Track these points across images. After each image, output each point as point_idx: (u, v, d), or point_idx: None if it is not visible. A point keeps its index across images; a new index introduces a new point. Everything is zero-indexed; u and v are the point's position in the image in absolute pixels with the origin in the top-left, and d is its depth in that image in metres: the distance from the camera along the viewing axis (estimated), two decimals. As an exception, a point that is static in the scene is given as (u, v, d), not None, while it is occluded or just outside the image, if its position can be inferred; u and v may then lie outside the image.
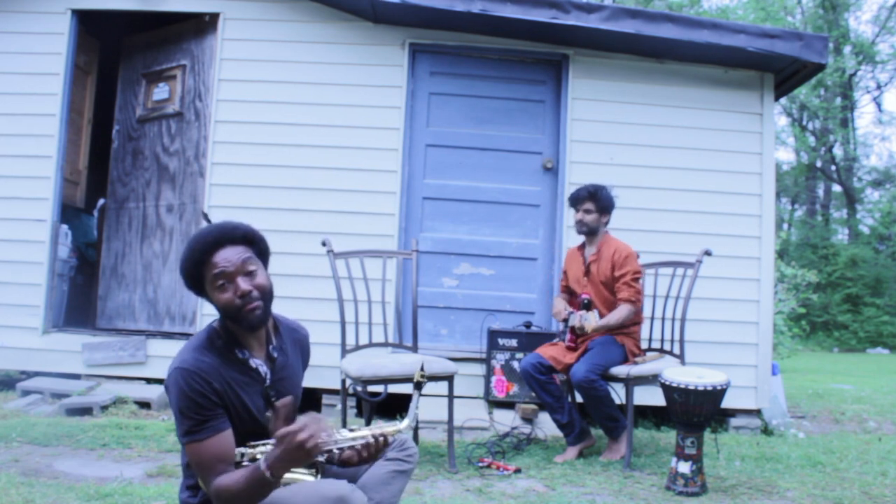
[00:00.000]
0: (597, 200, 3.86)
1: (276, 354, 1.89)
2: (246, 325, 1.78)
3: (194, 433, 1.71)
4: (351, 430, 1.87)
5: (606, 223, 3.93)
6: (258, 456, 1.73)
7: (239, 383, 1.79)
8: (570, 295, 4.05)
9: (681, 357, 3.81)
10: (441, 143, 4.98)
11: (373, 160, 4.84)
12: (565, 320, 3.88)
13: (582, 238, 4.03)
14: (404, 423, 1.92)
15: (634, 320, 3.82)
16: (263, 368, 1.86)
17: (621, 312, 3.71)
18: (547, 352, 3.79)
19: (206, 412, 1.71)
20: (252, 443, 1.78)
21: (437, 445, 3.83)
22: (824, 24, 21.93)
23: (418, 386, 1.99)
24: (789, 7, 22.47)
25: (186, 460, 1.82)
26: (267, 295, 1.80)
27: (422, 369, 2.00)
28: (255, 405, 1.82)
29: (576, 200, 3.91)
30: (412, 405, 1.96)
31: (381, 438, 1.81)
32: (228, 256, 1.76)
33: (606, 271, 3.81)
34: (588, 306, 3.76)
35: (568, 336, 3.84)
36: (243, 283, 1.75)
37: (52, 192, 4.88)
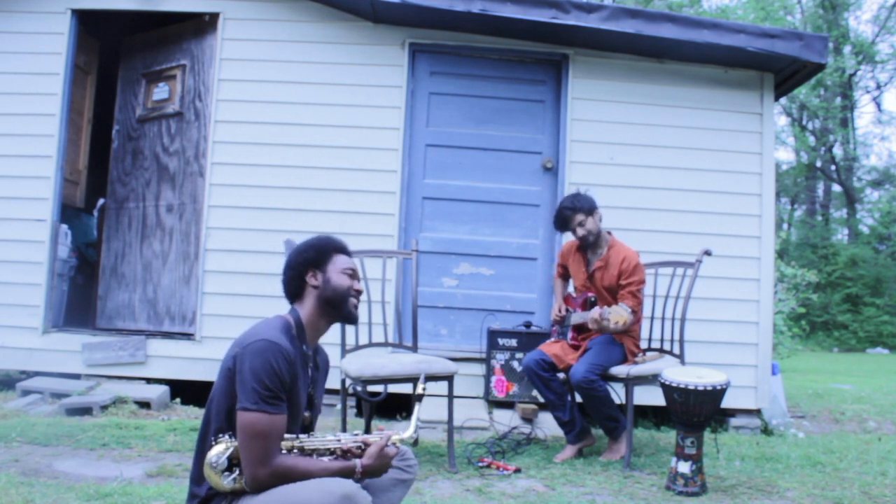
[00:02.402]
0: (580, 209, 3.75)
1: (320, 362, 2.04)
2: (346, 312, 1.98)
3: (269, 404, 1.74)
4: (354, 435, 1.89)
5: (601, 220, 3.84)
6: (283, 449, 1.80)
7: (300, 376, 1.88)
8: (565, 280, 4.10)
9: (681, 357, 3.81)
10: (441, 142, 4.98)
11: (373, 160, 4.84)
12: (562, 319, 3.89)
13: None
14: (406, 434, 1.95)
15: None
16: (310, 371, 1.98)
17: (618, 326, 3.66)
18: (550, 349, 3.79)
19: (282, 389, 1.78)
20: (290, 435, 1.83)
21: (437, 445, 3.83)
22: (824, 23, 21.94)
23: (419, 398, 2.04)
24: (789, 7, 22.48)
25: (206, 443, 1.82)
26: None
27: (423, 382, 2.04)
28: (301, 403, 1.90)
29: (564, 223, 3.80)
30: (414, 417, 1.99)
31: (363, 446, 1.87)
32: (357, 268, 2.06)
33: (612, 279, 3.78)
34: (594, 305, 3.77)
35: (570, 334, 3.85)
36: (360, 286, 2.04)
37: (52, 192, 4.88)
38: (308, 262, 1.98)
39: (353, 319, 1.99)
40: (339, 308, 1.96)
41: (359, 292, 2.01)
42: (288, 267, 2.00)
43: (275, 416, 1.75)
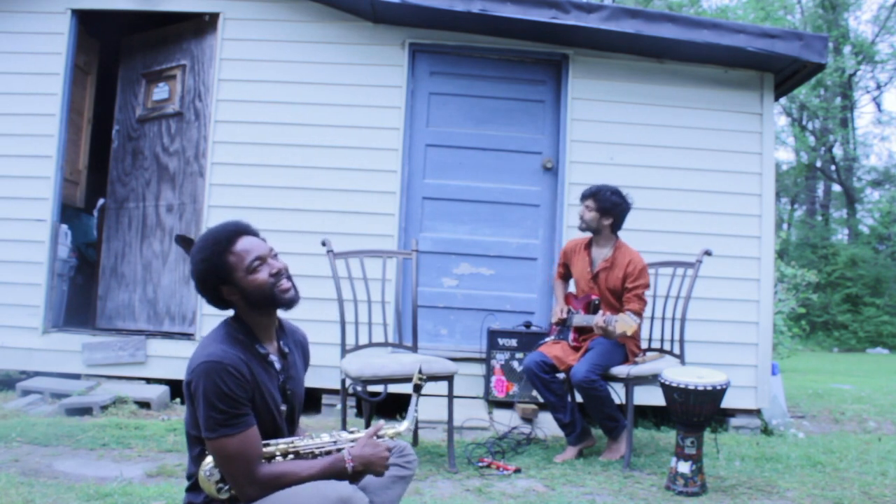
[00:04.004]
0: (597, 199, 3.84)
1: (286, 349, 1.93)
2: (282, 303, 1.81)
3: (227, 426, 1.68)
4: (350, 433, 1.89)
5: (612, 227, 3.87)
6: (277, 454, 1.76)
7: (262, 377, 1.80)
8: (565, 280, 4.12)
9: (681, 357, 3.81)
10: (441, 142, 4.98)
11: (373, 160, 4.84)
12: (563, 321, 3.89)
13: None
14: (403, 426, 1.93)
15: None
16: (277, 363, 1.88)
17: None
18: (551, 351, 3.79)
19: (239, 406, 1.70)
20: (272, 441, 1.79)
21: (436, 445, 3.83)
22: (824, 23, 21.94)
23: (417, 389, 1.99)
24: (789, 7, 22.47)
25: (196, 452, 1.80)
26: (291, 276, 1.85)
27: (420, 372, 2.00)
28: (273, 400, 1.83)
29: (582, 196, 3.93)
30: (411, 408, 1.97)
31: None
32: (256, 242, 1.83)
33: (617, 281, 3.79)
34: (597, 307, 3.77)
35: (571, 335, 3.85)
36: (276, 263, 1.82)
37: (52, 192, 4.88)
38: (214, 284, 1.81)
39: (291, 304, 1.82)
40: (270, 304, 1.81)
41: (280, 273, 1.80)
42: (201, 293, 1.85)
43: (239, 434, 1.69)
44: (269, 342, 1.89)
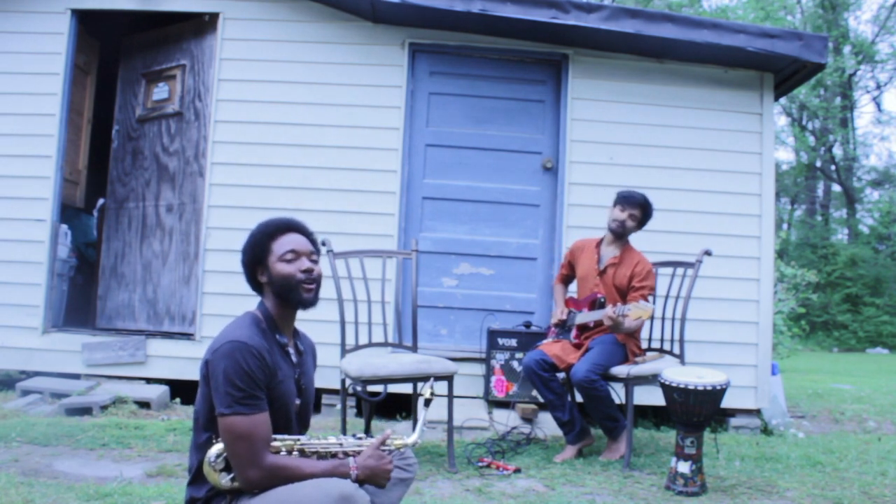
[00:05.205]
0: (645, 213, 3.90)
1: (301, 347, 2.01)
2: (298, 300, 1.89)
3: (244, 405, 1.73)
4: (358, 438, 1.89)
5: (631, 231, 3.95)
6: (283, 450, 1.79)
7: (280, 367, 1.86)
8: (566, 284, 4.13)
9: (681, 357, 3.81)
10: (441, 142, 4.98)
11: (373, 160, 4.84)
12: (563, 322, 3.89)
13: (590, 234, 4.03)
14: (411, 439, 1.94)
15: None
16: (294, 357, 1.95)
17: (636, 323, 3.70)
18: (551, 350, 3.79)
19: (256, 388, 1.76)
20: (279, 436, 1.81)
21: (436, 445, 3.83)
22: (824, 23, 21.95)
23: (427, 403, 1.99)
24: (789, 7, 22.47)
25: (203, 439, 1.81)
26: (320, 284, 1.94)
27: (431, 387, 2.00)
28: (289, 390, 1.88)
29: (627, 201, 3.89)
30: (420, 422, 1.97)
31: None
32: (301, 240, 1.93)
33: (624, 279, 3.82)
34: (603, 305, 3.77)
35: (573, 333, 3.85)
36: (308, 263, 1.90)
37: (52, 192, 4.88)
38: (252, 262, 1.93)
39: (307, 305, 1.91)
40: (290, 298, 1.89)
41: (308, 272, 1.89)
42: (242, 267, 1.97)
43: (252, 416, 1.73)
44: (288, 337, 1.96)
